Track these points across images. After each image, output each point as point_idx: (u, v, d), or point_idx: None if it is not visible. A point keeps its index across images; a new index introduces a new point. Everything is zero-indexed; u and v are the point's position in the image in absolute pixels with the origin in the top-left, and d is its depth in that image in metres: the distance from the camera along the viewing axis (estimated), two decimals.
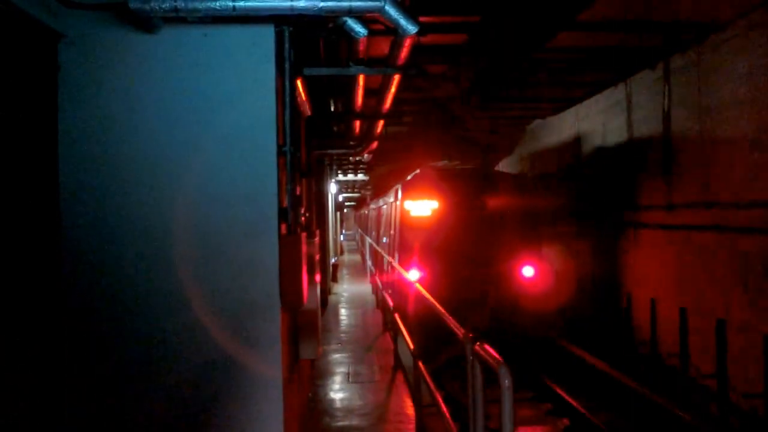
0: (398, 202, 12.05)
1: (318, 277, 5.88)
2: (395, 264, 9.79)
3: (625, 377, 8.86)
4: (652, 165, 9.42)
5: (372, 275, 15.47)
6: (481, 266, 10.74)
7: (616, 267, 11.04)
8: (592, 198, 12.25)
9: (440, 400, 4.19)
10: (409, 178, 12.64)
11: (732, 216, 7.41)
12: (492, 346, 2.80)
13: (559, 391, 9.39)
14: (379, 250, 13.52)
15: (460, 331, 3.25)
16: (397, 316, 7.28)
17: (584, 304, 11.71)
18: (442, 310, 3.78)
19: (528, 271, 10.78)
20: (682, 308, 8.51)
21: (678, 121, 8.73)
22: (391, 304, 8.57)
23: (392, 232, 12.64)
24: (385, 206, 15.55)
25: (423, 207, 11.31)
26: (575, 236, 12.68)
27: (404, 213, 11.44)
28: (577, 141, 12.94)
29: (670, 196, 8.91)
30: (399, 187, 12.27)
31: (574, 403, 8.80)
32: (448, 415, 3.87)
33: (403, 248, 11.25)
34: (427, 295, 4.48)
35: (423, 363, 5.17)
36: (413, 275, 10.11)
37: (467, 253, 10.82)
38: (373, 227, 18.90)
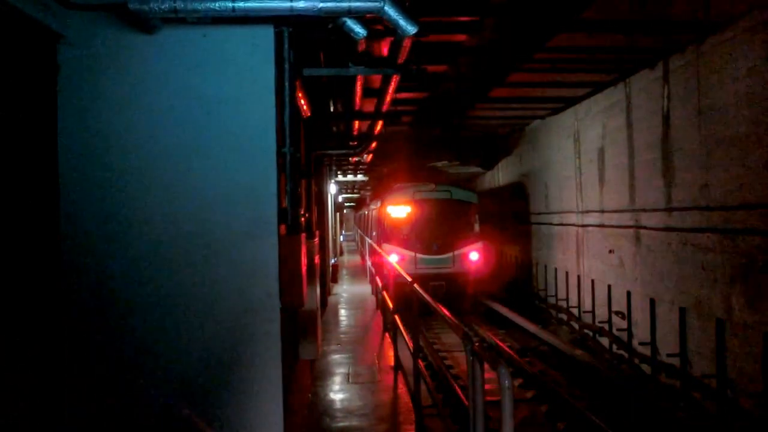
0: (383, 207, 17.01)
1: (317, 278, 5.89)
2: (381, 251, 13.44)
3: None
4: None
5: (372, 276, 15.54)
6: (440, 252, 15.87)
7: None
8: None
9: (440, 403, 4.20)
10: (390, 191, 17.89)
11: (732, 217, 7.44)
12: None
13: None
14: (371, 242, 17.59)
15: (460, 331, 3.25)
16: (397, 317, 7.29)
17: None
18: (443, 311, 3.79)
19: (474, 256, 15.91)
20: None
21: (677, 121, 8.74)
22: (391, 305, 8.59)
23: (379, 228, 17.51)
24: (374, 210, 20.58)
25: (400, 211, 16.43)
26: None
27: (387, 215, 16.58)
28: (577, 141, 12.97)
29: (670, 197, 8.94)
30: (384, 197, 17.58)
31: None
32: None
33: (386, 239, 16.37)
34: (425, 296, 4.50)
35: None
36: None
37: (430, 243, 15.88)
38: (368, 225, 24.22)
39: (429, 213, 16.12)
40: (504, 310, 14.67)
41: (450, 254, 15.82)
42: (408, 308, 5.71)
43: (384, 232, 16.55)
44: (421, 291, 4.88)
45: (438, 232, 15.93)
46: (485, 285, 16.39)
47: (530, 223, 16.14)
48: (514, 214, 17.24)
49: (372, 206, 24.06)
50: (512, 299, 16.06)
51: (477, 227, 16.34)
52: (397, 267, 7.40)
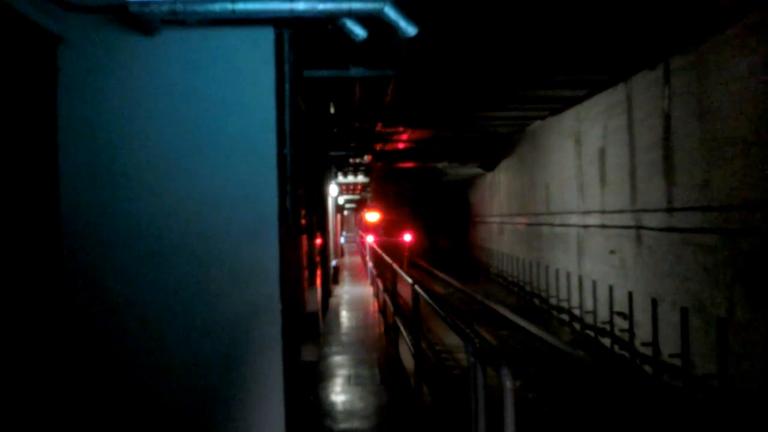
0: (364, 214, 33.03)
1: (319, 280, 5.89)
2: (365, 237, 22.48)
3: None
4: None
5: (373, 277, 15.55)
6: (393, 236, 32.79)
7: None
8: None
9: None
10: (367, 206, 32.24)
11: (731, 217, 7.43)
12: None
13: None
14: (363, 235, 26.42)
15: (461, 333, 3.25)
16: (397, 318, 7.30)
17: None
18: (444, 313, 3.80)
19: (408, 237, 30.38)
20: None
21: (678, 121, 8.74)
22: (391, 307, 8.60)
23: (362, 225, 33.53)
24: (361, 214, 36.57)
25: (373, 216, 32.72)
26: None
27: (366, 219, 33.32)
28: (578, 142, 12.96)
29: (671, 196, 8.93)
30: (365, 208, 32.56)
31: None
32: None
33: (366, 230, 29.04)
34: (425, 296, 4.51)
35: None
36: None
37: (390, 232, 34.74)
38: (367, 226, 37.82)
39: (390, 219, 32.94)
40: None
41: (398, 238, 30.59)
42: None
43: (364, 227, 32.59)
44: (421, 292, 4.92)
45: (395, 228, 32.77)
46: (419, 253, 33.05)
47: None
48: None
49: (370, 208, 35.76)
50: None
51: (414, 225, 34.08)
52: (396, 267, 7.83)
